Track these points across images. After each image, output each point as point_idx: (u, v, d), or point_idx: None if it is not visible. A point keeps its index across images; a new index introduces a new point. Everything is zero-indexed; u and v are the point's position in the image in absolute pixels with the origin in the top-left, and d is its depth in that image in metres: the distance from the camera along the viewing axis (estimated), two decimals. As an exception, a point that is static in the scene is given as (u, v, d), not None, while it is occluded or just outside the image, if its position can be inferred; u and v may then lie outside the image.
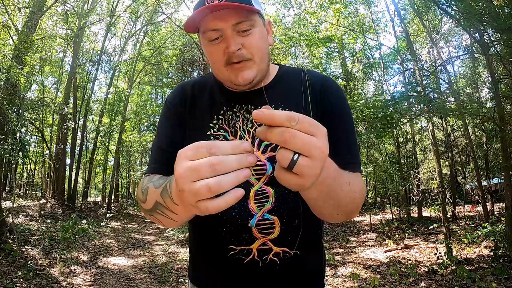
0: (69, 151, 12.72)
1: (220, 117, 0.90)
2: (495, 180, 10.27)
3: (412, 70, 8.94)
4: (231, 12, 0.78)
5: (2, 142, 5.95)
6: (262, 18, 0.86)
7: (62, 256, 5.22)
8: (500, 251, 4.64)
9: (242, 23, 0.79)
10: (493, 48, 5.97)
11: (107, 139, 16.18)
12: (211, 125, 0.89)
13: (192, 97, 0.95)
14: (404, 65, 9.80)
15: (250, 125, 0.89)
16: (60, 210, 9.48)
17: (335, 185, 0.64)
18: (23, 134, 9.40)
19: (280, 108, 0.88)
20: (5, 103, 6.40)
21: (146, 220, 11.55)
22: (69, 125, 10.88)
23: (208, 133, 0.89)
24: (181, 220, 0.72)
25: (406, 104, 5.50)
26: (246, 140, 0.88)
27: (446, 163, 10.79)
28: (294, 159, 0.47)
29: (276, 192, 0.85)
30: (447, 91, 7.87)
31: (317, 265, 0.96)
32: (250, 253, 0.85)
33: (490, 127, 8.69)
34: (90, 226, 7.74)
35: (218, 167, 0.47)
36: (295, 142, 0.46)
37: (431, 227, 6.91)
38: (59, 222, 7.58)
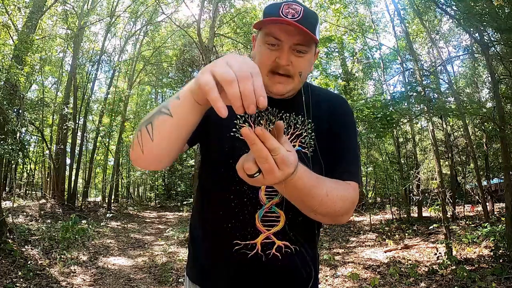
0: (69, 151, 12.71)
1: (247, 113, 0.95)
2: (495, 180, 10.28)
3: (412, 70, 8.94)
4: (298, 32, 0.84)
5: (2, 142, 5.94)
6: (315, 47, 0.94)
7: (62, 256, 5.21)
8: (500, 251, 4.64)
9: (301, 46, 0.87)
10: (493, 48, 5.97)
11: (107, 139, 16.16)
12: (238, 116, 0.95)
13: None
14: (404, 65, 9.81)
15: (272, 126, 0.92)
16: (60, 210, 9.47)
17: (307, 192, 0.72)
18: (23, 134, 9.42)
19: (300, 116, 0.98)
20: (5, 103, 6.39)
21: (146, 220, 11.56)
22: (69, 125, 10.85)
23: (235, 121, 0.95)
24: (175, 122, 0.72)
25: (406, 104, 5.50)
26: None
27: (446, 163, 10.79)
28: (255, 175, 0.61)
29: None
30: (447, 91, 7.87)
31: (313, 263, 1.01)
32: (254, 247, 0.91)
33: (490, 127, 8.68)
34: (90, 226, 7.74)
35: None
36: (264, 165, 0.59)
37: (431, 227, 6.90)
38: (59, 222, 7.56)
